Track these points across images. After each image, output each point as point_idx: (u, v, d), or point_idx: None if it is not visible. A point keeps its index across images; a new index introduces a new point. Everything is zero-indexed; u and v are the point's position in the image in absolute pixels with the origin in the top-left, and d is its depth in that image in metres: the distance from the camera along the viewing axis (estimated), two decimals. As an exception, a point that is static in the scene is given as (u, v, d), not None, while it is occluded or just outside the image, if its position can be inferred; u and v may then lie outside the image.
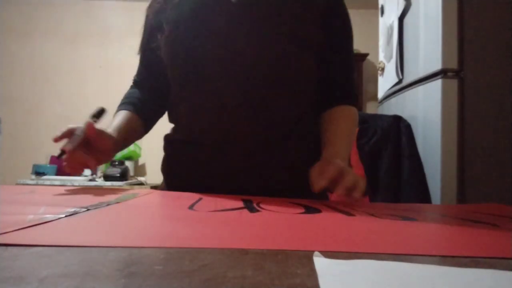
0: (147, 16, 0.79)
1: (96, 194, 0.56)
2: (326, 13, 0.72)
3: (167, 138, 0.81)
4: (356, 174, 0.59)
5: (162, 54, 0.75)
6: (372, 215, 0.45)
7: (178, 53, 0.71)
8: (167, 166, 0.80)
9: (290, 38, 0.67)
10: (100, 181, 2.87)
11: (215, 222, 0.35)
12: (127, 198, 0.52)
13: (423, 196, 1.35)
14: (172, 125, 0.82)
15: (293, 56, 0.68)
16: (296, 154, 0.72)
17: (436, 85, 1.30)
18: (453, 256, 0.25)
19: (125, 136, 0.74)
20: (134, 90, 0.85)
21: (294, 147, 0.72)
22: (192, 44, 0.69)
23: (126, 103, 0.81)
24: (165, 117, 0.85)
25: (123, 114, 0.77)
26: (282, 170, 0.70)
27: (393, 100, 1.80)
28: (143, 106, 0.81)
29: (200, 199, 0.53)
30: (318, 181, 0.58)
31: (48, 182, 2.74)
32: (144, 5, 0.81)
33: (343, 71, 0.78)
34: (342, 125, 0.74)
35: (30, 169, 3.03)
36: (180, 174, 0.75)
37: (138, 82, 0.86)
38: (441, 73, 1.28)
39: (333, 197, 0.71)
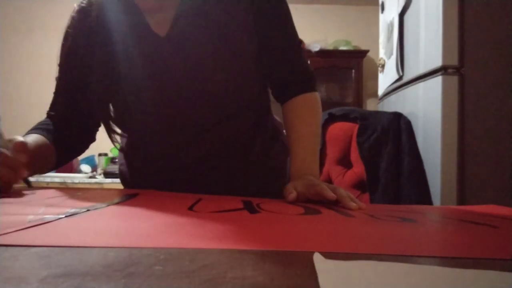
0: (66, 40, 0.71)
1: (96, 195, 0.56)
2: (254, 8, 0.69)
3: (124, 151, 0.82)
4: (336, 185, 0.60)
5: (96, 87, 0.68)
6: (372, 216, 0.44)
7: (119, 86, 0.67)
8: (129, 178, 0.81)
9: (224, 60, 0.66)
10: (100, 178, 2.87)
11: (215, 223, 0.35)
12: (127, 198, 0.52)
13: (423, 193, 1.35)
14: None
15: (229, 77, 0.67)
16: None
17: (437, 81, 1.30)
18: (452, 257, 0.25)
19: (33, 161, 0.62)
20: (48, 121, 0.76)
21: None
22: (133, 79, 0.67)
23: (37, 128, 0.73)
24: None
25: (33, 137, 0.68)
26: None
27: (393, 97, 1.80)
28: (59, 135, 0.74)
29: (200, 199, 0.53)
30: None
31: (48, 179, 2.74)
32: None
33: (288, 60, 0.75)
34: (304, 131, 0.73)
35: (30, 166, 3.03)
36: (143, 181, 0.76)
37: (55, 115, 0.76)
38: (442, 70, 1.28)
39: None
